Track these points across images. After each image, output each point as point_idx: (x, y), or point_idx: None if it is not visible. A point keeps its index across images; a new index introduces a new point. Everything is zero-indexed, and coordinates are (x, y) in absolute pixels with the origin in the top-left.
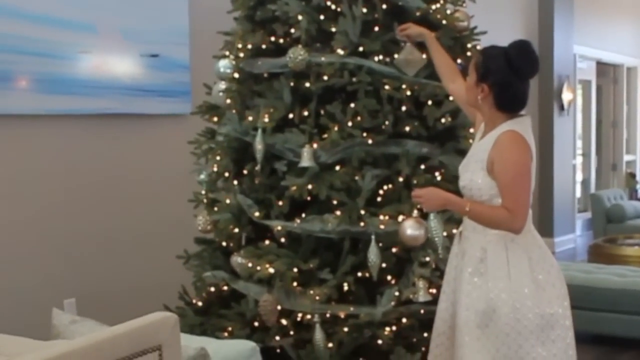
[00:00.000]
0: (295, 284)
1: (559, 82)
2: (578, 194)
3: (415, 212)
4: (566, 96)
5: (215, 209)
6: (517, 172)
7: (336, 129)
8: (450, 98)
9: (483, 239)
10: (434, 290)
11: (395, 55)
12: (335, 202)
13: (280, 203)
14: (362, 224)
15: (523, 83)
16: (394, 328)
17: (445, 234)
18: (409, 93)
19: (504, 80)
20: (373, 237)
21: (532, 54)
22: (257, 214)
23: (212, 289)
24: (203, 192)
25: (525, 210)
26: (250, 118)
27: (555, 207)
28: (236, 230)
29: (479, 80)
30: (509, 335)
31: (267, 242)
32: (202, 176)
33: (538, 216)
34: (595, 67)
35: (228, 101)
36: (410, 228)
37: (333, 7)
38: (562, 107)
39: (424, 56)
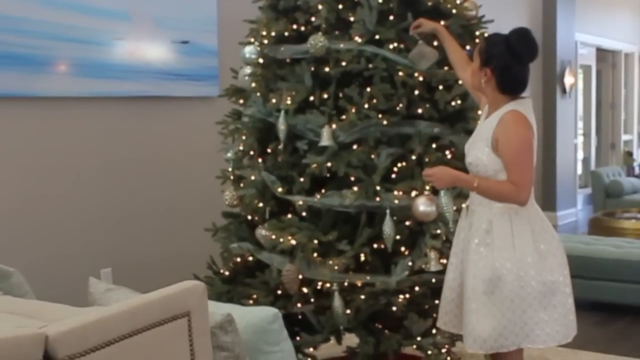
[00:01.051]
0: (315, 254)
1: (561, 67)
2: (579, 171)
3: (427, 189)
4: (568, 80)
5: (241, 184)
6: (521, 149)
7: (354, 110)
8: (460, 82)
9: (489, 212)
10: (444, 261)
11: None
12: (352, 178)
13: (302, 179)
14: (377, 199)
15: (523, 67)
16: (407, 296)
17: (454, 208)
18: (421, 79)
19: (504, 64)
20: (388, 211)
21: (531, 40)
22: (280, 189)
23: (238, 259)
24: (230, 169)
25: (530, 183)
26: (274, 100)
27: (558, 183)
28: (260, 204)
29: (482, 64)
30: (514, 301)
31: (289, 215)
32: (229, 154)
33: (542, 192)
34: (595, 53)
35: (253, 84)
36: (422, 205)
37: None
38: (564, 91)
39: (436, 51)
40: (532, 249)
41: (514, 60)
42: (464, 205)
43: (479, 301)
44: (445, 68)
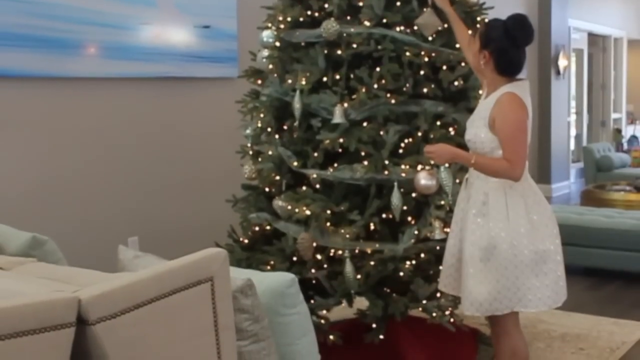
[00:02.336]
0: (328, 224)
1: (555, 50)
2: (572, 146)
3: (431, 163)
4: (562, 63)
5: (260, 159)
6: (515, 128)
7: (364, 90)
8: (463, 64)
9: (486, 185)
10: (448, 230)
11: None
12: (363, 153)
13: (316, 154)
14: (386, 172)
15: (519, 50)
16: (413, 262)
17: (457, 181)
18: (426, 59)
19: (502, 47)
20: (395, 183)
21: (528, 25)
22: (295, 163)
23: (257, 228)
24: (249, 144)
25: (523, 160)
26: (290, 81)
27: (552, 158)
28: (277, 177)
29: (481, 47)
30: (507, 269)
31: (304, 188)
32: (248, 131)
33: (538, 166)
34: (587, 38)
35: (270, 66)
36: (423, 179)
37: None
38: (558, 72)
39: (440, 21)
40: (525, 220)
41: (511, 44)
42: (465, 178)
43: (475, 267)
44: (449, 50)
